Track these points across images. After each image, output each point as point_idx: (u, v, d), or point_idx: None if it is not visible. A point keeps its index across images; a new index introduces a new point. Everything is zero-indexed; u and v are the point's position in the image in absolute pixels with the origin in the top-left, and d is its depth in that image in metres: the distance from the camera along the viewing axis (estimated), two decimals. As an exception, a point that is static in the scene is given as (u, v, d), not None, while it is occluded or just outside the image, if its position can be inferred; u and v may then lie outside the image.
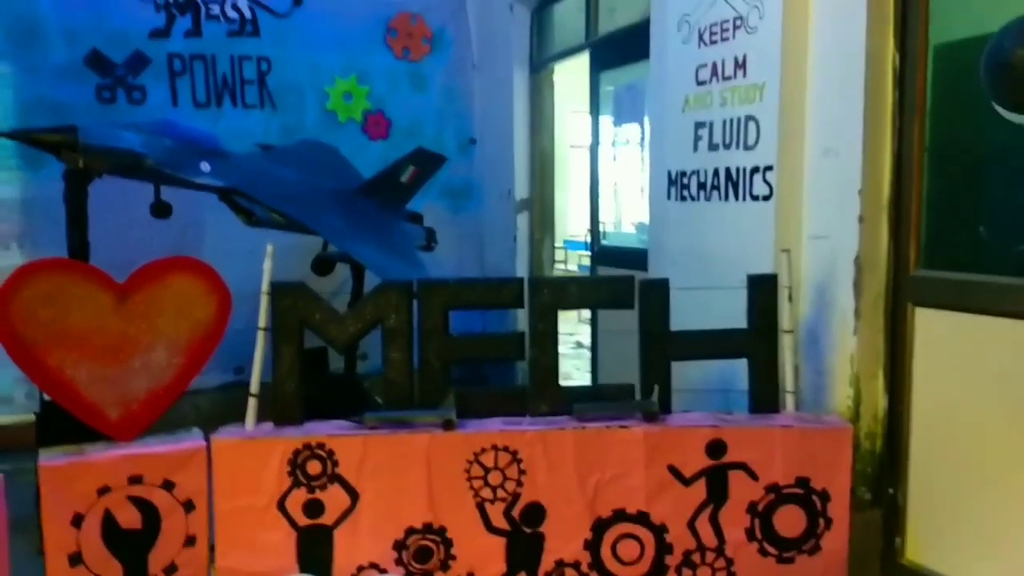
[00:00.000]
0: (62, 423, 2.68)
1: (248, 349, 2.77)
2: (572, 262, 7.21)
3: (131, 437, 2.68)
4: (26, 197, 4.87)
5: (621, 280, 2.93)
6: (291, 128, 5.45)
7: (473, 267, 5.92)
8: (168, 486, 2.61)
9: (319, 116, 5.62)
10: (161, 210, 4.10)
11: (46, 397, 3.07)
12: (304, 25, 5.53)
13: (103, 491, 2.55)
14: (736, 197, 3.35)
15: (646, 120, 4.52)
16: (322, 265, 4.53)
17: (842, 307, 2.97)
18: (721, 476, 2.70)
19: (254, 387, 2.75)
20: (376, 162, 5.04)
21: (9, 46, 4.85)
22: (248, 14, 5.36)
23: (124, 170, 3.72)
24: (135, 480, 2.58)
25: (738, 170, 3.33)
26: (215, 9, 5.28)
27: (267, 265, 2.78)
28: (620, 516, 2.71)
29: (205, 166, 3.91)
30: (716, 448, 2.69)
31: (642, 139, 4.68)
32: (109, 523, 2.56)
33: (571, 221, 7.07)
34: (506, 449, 2.68)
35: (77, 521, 2.52)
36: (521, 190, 6.02)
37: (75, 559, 2.52)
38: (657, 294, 2.82)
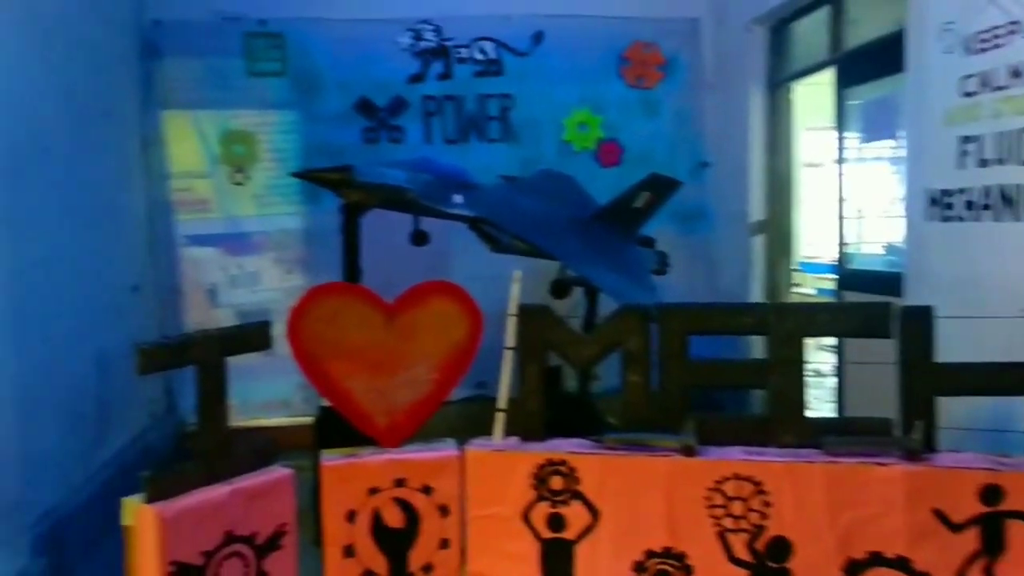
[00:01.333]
0: (336, 427, 2.96)
1: (488, 365, 2.90)
2: (809, 285, 6.81)
3: (396, 443, 2.90)
4: (307, 228, 5.59)
5: (875, 307, 2.74)
6: (530, 159, 5.71)
7: (704, 291, 5.81)
8: (427, 490, 2.81)
9: (556, 147, 5.86)
10: (420, 238, 4.49)
11: (322, 403, 3.46)
12: (543, 62, 5.82)
13: (373, 491, 2.79)
14: (1013, 217, 3.03)
15: (897, 136, 4.22)
16: (560, 288, 4.68)
17: None
18: (997, 525, 2.44)
19: (502, 402, 2.89)
20: (608, 188, 5.10)
21: (297, 97, 5.66)
22: (493, 55, 5.77)
23: (390, 203, 4.14)
24: (399, 483, 2.80)
25: (1016, 188, 3.01)
26: (464, 53, 5.75)
27: (515, 289, 2.91)
28: (876, 560, 2.53)
29: (458, 198, 4.24)
30: (991, 493, 2.43)
31: (893, 156, 4.36)
32: (377, 521, 2.79)
33: (806, 242, 6.71)
34: (750, 479, 2.61)
35: (351, 517, 2.77)
36: (756, 211, 5.85)
37: (348, 551, 2.77)
38: (921, 322, 2.61)
